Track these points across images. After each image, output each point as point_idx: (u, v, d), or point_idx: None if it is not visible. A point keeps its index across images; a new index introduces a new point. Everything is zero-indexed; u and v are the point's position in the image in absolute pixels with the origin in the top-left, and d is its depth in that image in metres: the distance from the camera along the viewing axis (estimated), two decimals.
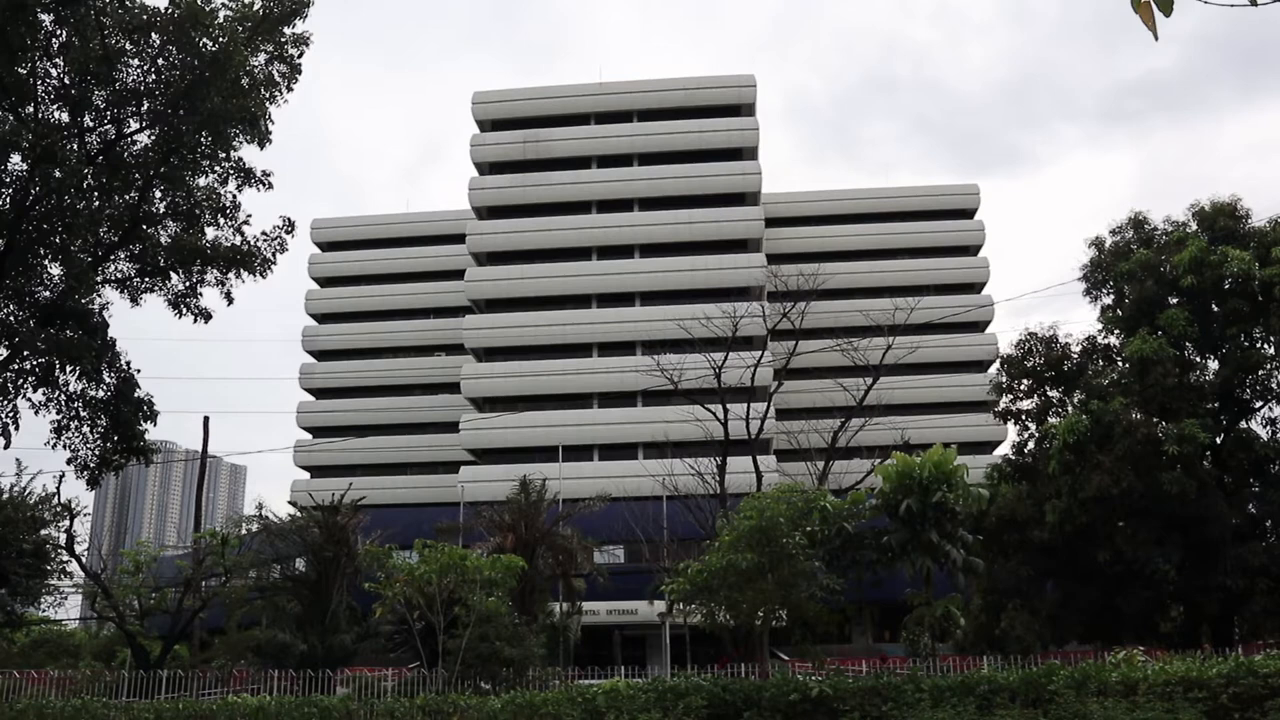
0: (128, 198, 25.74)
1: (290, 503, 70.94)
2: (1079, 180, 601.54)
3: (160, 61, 23.97)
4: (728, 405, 44.86)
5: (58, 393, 25.69)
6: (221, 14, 23.91)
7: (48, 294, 25.76)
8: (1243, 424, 32.07)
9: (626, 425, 76.00)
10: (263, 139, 25.34)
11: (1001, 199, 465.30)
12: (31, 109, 23.95)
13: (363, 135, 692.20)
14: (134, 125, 25.05)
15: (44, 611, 50.18)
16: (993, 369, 43.11)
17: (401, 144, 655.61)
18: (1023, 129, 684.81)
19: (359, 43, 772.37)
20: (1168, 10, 4.37)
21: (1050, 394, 34.35)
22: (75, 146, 24.13)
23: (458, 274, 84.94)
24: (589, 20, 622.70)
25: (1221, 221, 32.13)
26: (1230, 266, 29.80)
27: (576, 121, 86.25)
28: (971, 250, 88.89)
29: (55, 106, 24.45)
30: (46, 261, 25.30)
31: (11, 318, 25.52)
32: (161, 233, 26.68)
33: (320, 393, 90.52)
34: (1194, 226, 32.92)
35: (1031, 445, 34.17)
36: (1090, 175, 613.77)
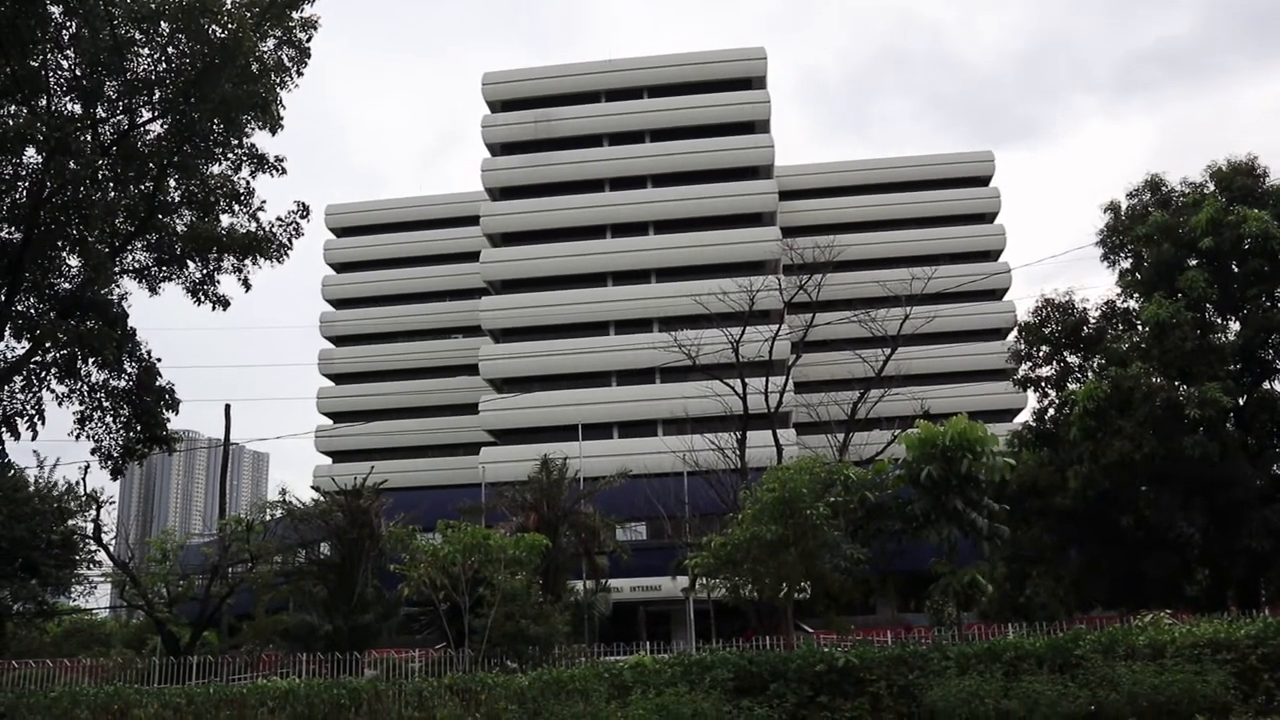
0: (143, 187, 25.82)
1: (313, 488, 71.27)
2: (1095, 151, 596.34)
3: (170, 50, 23.97)
4: (746, 379, 44.85)
5: (80, 384, 25.89)
6: (229, 0, 23.90)
7: (67, 286, 25.92)
8: (1266, 385, 31.85)
9: (645, 402, 75.97)
10: (274, 124, 25.37)
11: (1018, 171, 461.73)
12: (44, 101, 24.01)
13: (379, 121, 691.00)
14: (146, 115, 25.10)
15: (74, 601, 50.78)
16: (1011, 336, 42.94)
17: (419, 128, 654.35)
18: (1038, 101, 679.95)
19: (372, 28, 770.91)
20: None
21: (1069, 360, 34.21)
22: (89, 138, 24.20)
23: (473, 256, 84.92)
24: (604, 1, 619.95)
25: (1239, 181, 31.82)
26: (1249, 226, 29.54)
27: (587, 99, 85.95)
28: (987, 218, 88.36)
29: (68, 98, 24.51)
30: (65, 253, 25.44)
31: (32, 310, 25.69)
32: (177, 221, 26.76)
33: (339, 378, 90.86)
34: (1211, 187, 32.61)
35: (1052, 412, 34.07)
36: (1106, 145, 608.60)
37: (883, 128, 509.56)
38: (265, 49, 24.91)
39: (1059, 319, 33.75)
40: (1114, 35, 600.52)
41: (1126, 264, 34.25)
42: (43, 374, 25.42)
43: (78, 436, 26.20)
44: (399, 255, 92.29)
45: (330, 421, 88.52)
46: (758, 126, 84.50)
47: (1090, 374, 32.45)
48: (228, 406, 50.32)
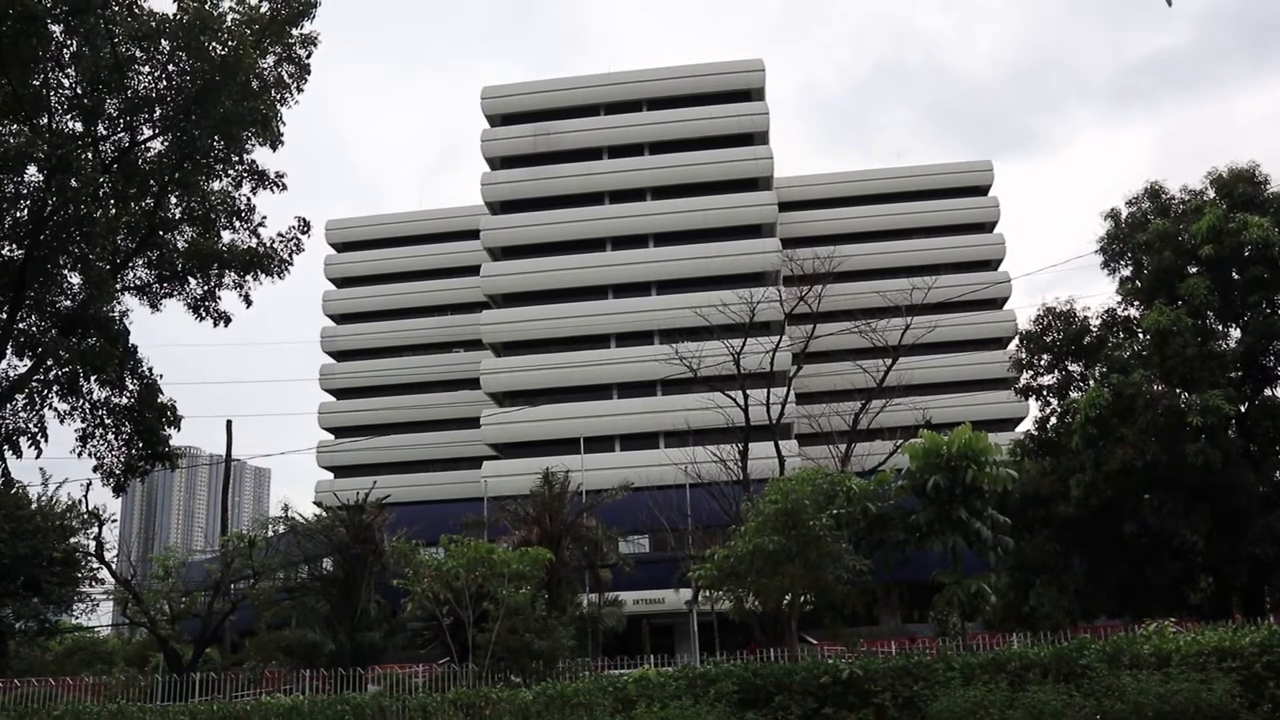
0: (144, 204, 25.88)
1: (315, 503, 71.29)
2: (1094, 160, 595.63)
3: (170, 67, 24.05)
4: (748, 391, 44.82)
5: (82, 401, 25.88)
6: (229, 18, 23.99)
7: (68, 303, 25.91)
8: (1268, 392, 31.83)
9: (647, 415, 75.99)
10: (275, 141, 25.45)
11: (1017, 182, 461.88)
12: (46, 120, 24.08)
13: (380, 136, 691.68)
14: (147, 132, 25.17)
15: (76, 619, 50.71)
16: (1012, 345, 42.91)
17: (420, 143, 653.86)
18: (1036, 112, 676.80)
19: (372, 44, 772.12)
20: None
21: (1071, 368, 34.20)
22: (90, 155, 24.22)
23: (473, 270, 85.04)
24: (604, 16, 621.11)
25: (1240, 188, 31.80)
26: (1250, 233, 29.51)
27: (586, 113, 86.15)
28: (987, 227, 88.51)
29: (69, 116, 24.57)
30: (66, 271, 25.43)
31: (34, 328, 25.69)
32: (178, 238, 26.81)
33: (341, 393, 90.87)
34: (1211, 194, 32.62)
35: (1054, 420, 34.05)
36: (1105, 155, 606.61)
37: (882, 139, 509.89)
38: (265, 66, 25.01)
39: (1060, 327, 33.75)
40: (1111, 46, 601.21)
41: (1127, 272, 34.26)
42: (44, 392, 25.41)
43: (80, 454, 26.19)
44: (400, 270, 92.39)
45: (332, 437, 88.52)
46: (757, 138, 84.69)
47: (1092, 382, 32.42)
48: (229, 422, 50.44)
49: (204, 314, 26.99)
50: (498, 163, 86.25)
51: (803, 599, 27.81)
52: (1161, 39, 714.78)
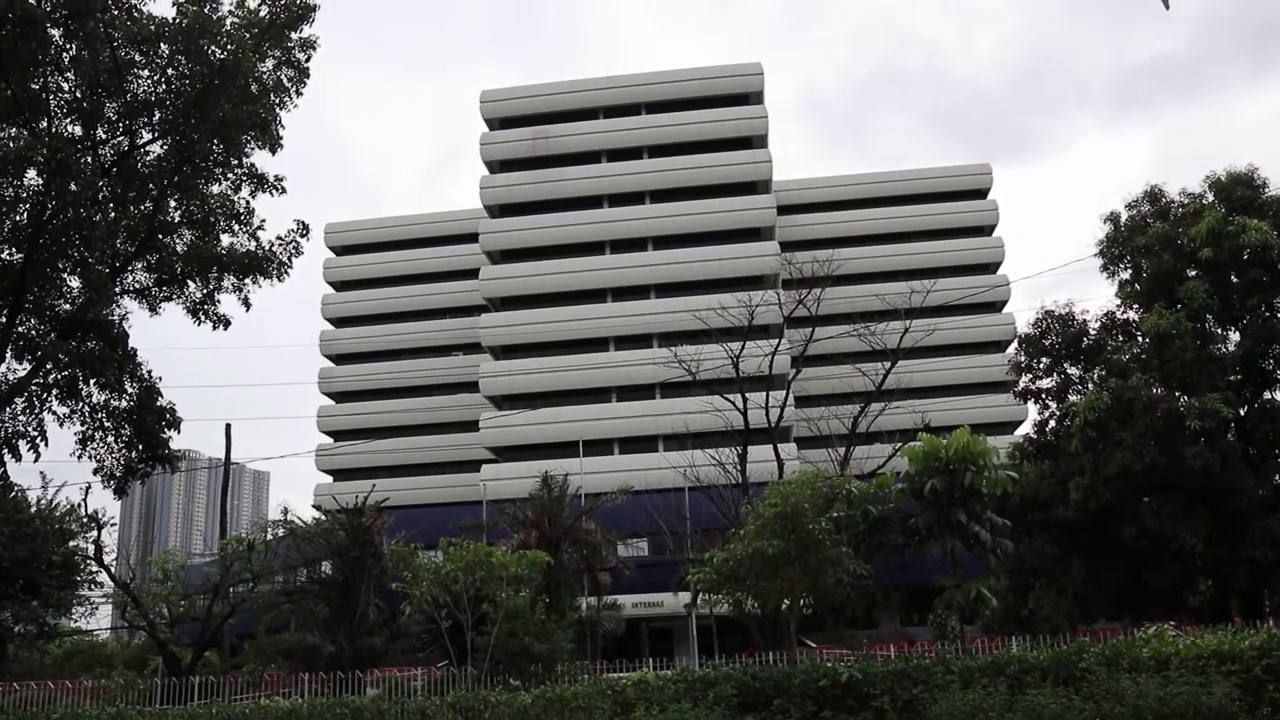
0: (143, 208, 25.92)
1: (314, 506, 71.27)
2: (1094, 164, 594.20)
3: (170, 71, 24.09)
4: (747, 394, 44.80)
5: (81, 404, 25.90)
6: (228, 22, 24.05)
7: (68, 307, 25.94)
8: (1267, 395, 31.82)
9: (646, 418, 76.01)
10: (274, 144, 25.51)
11: (1017, 186, 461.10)
12: (45, 124, 24.11)
13: (379, 139, 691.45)
14: (146, 136, 25.22)
15: (75, 622, 50.62)
16: (1011, 349, 42.93)
17: (419, 146, 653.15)
18: (1035, 115, 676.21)
19: (371, 48, 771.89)
20: None
21: (1070, 372, 34.18)
22: (89, 159, 24.27)
23: (472, 273, 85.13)
24: (604, 18, 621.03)
25: (1239, 191, 31.82)
26: (1249, 237, 29.50)
27: (585, 116, 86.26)
28: (986, 230, 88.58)
29: (68, 120, 24.62)
30: (65, 274, 25.47)
31: (33, 332, 25.71)
32: (177, 241, 26.84)
33: (340, 396, 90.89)
34: (1210, 198, 32.63)
35: (1053, 424, 34.03)
36: (1105, 159, 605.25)
37: (881, 142, 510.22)
38: (264, 69, 25.08)
39: (1059, 331, 33.74)
40: (1110, 49, 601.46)
41: (1126, 275, 34.25)
42: (44, 395, 25.45)
43: (79, 457, 26.22)
44: (398, 273, 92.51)
45: (331, 440, 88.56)
46: (756, 141, 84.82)
47: (1091, 385, 32.41)
48: (228, 426, 50.48)
49: (203, 317, 27.03)
50: (497, 166, 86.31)
51: (802, 602, 27.82)
52: (1161, 43, 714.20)
